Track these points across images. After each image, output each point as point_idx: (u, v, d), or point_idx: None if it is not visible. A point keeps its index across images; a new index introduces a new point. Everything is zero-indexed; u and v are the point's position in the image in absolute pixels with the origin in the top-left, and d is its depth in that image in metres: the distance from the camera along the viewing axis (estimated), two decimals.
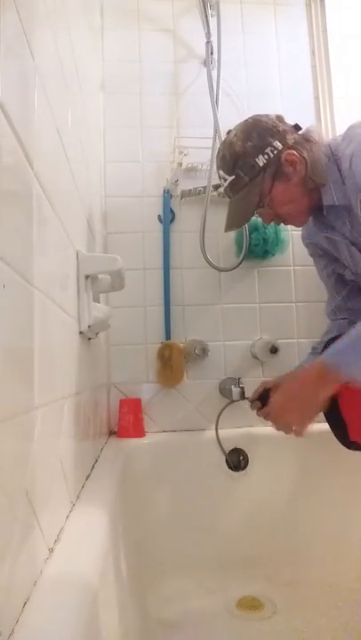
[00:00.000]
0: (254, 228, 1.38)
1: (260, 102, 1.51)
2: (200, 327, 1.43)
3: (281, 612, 1.06)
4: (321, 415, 0.91)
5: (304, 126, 0.97)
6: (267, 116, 0.96)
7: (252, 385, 1.24)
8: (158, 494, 1.26)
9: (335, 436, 0.89)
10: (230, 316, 1.44)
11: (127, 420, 1.31)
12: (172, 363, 1.36)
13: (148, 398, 1.39)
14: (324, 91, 1.55)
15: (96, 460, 1.04)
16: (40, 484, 0.51)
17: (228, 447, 1.31)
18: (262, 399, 0.99)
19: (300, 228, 1.15)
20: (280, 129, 0.93)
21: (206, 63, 1.45)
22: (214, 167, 1.35)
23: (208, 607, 1.08)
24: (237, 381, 1.36)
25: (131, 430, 1.31)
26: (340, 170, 0.91)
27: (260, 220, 1.06)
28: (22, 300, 0.47)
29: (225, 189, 1.00)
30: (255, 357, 1.42)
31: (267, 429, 1.04)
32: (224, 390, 1.38)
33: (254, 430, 1.33)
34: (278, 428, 0.91)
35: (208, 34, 1.46)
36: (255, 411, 1.01)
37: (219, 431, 1.29)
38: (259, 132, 0.92)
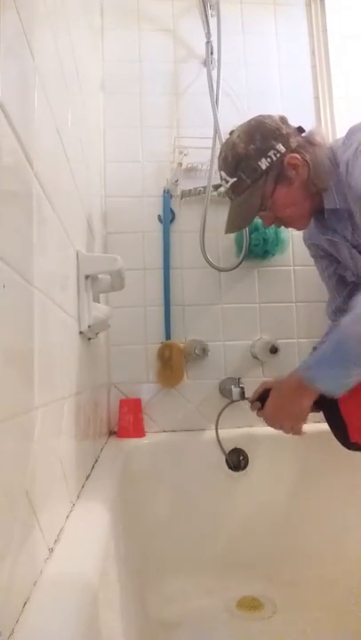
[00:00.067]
0: (254, 229, 1.38)
1: (260, 102, 1.51)
2: (200, 327, 1.43)
3: (281, 612, 1.06)
4: (321, 415, 0.91)
5: (305, 126, 0.97)
6: (270, 117, 0.95)
7: (252, 385, 1.24)
8: (158, 494, 1.26)
9: (335, 436, 0.89)
10: (230, 316, 1.44)
11: (127, 420, 1.31)
12: (172, 363, 1.36)
13: (148, 398, 1.39)
14: (324, 91, 1.55)
15: (96, 460, 1.04)
16: (40, 484, 0.51)
17: (228, 447, 1.31)
18: (262, 400, 0.99)
19: None
20: (283, 132, 0.92)
21: (206, 63, 1.45)
22: (214, 167, 1.36)
23: (208, 607, 1.08)
24: (237, 381, 1.36)
25: (131, 430, 1.31)
26: (340, 174, 0.91)
27: (260, 220, 1.05)
28: (22, 300, 0.47)
29: (226, 191, 0.99)
30: (255, 357, 1.42)
31: (267, 429, 1.04)
32: (224, 390, 1.38)
33: (254, 430, 1.33)
34: (277, 428, 0.93)
35: (208, 34, 1.46)
36: (255, 411, 1.01)
37: (219, 431, 1.29)
38: (262, 135, 0.92)
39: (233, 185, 0.96)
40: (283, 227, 1.05)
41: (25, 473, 0.46)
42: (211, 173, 1.37)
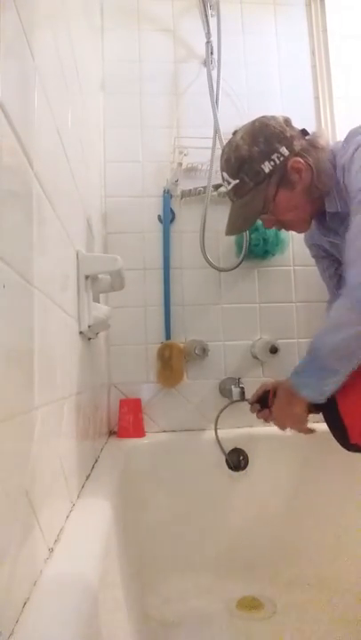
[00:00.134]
0: (255, 229, 1.38)
1: (260, 102, 1.51)
2: (200, 327, 1.43)
3: (281, 612, 1.06)
4: (321, 415, 0.91)
5: (304, 126, 0.97)
6: (274, 119, 0.94)
7: (252, 385, 1.24)
8: (158, 494, 1.26)
9: (335, 437, 0.88)
10: (230, 316, 1.44)
11: (127, 420, 1.31)
12: (172, 363, 1.36)
13: (148, 398, 1.39)
14: (324, 91, 1.55)
15: (96, 460, 1.04)
16: (40, 484, 0.51)
17: (228, 447, 1.31)
18: (262, 401, 0.99)
19: None
20: (287, 134, 0.92)
21: (206, 63, 1.45)
22: (214, 167, 1.36)
23: (208, 607, 1.08)
24: (237, 381, 1.36)
25: (131, 430, 1.31)
26: (339, 177, 0.91)
27: (260, 220, 1.05)
28: (22, 300, 0.47)
29: (228, 192, 0.99)
30: (255, 357, 1.42)
31: (267, 429, 1.04)
32: (224, 390, 1.38)
33: (254, 430, 1.33)
34: (284, 429, 0.96)
35: (208, 34, 1.46)
36: (255, 413, 1.01)
37: (219, 431, 1.29)
38: (266, 137, 0.91)
39: (235, 187, 0.95)
40: (283, 229, 1.05)
41: (25, 473, 0.46)
42: (211, 173, 1.37)
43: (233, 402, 1.29)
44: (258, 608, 1.08)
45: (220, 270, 1.42)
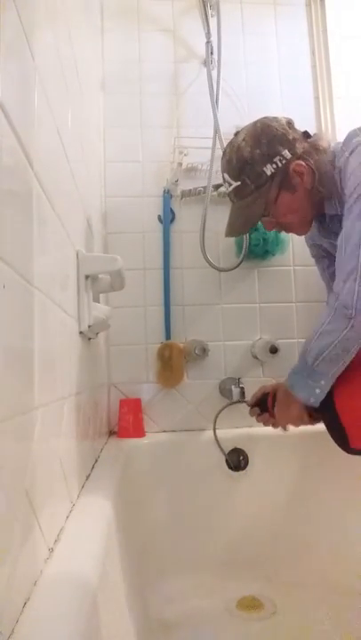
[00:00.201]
0: (254, 229, 1.37)
1: (260, 102, 1.51)
2: (200, 327, 1.43)
3: (281, 612, 1.06)
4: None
5: (304, 127, 0.97)
6: (277, 120, 0.94)
7: (252, 385, 1.25)
8: (158, 494, 1.26)
9: (334, 440, 0.88)
10: (230, 316, 1.44)
11: (127, 420, 1.31)
12: (172, 363, 1.36)
13: (148, 398, 1.39)
14: (324, 91, 1.55)
15: (96, 460, 1.04)
16: (40, 484, 0.51)
17: (228, 447, 1.31)
18: (261, 404, 0.99)
19: None
20: (290, 137, 0.91)
21: (206, 63, 1.45)
22: (214, 167, 1.36)
23: (208, 607, 1.08)
24: (237, 381, 1.36)
25: (131, 430, 1.31)
26: (337, 180, 0.91)
27: None
28: (22, 300, 0.47)
29: (229, 194, 0.99)
30: (255, 357, 1.42)
31: (267, 429, 1.04)
32: (224, 390, 1.38)
33: (254, 430, 1.33)
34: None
35: (208, 34, 1.46)
36: (255, 417, 1.01)
37: (218, 431, 1.29)
38: (268, 140, 0.91)
39: (236, 188, 0.95)
40: (283, 232, 1.05)
41: (25, 473, 0.46)
42: (211, 173, 1.37)
43: (232, 403, 1.29)
44: (258, 608, 1.08)
45: (220, 270, 1.42)
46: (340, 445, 0.87)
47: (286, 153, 0.90)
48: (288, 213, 0.96)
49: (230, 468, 1.30)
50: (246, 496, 1.29)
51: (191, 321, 1.43)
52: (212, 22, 1.47)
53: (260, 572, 1.20)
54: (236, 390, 1.31)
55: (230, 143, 0.97)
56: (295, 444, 1.25)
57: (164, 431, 1.38)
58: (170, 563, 1.20)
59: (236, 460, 1.31)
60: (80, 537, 0.61)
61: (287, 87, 1.56)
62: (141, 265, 1.43)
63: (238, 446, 1.32)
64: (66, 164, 0.75)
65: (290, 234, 1.42)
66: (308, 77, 1.58)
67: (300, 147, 0.92)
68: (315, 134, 0.97)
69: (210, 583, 1.17)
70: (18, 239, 0.46)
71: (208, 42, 1.46)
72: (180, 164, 1.44)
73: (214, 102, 1.41)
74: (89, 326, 0.86)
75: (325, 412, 0.87)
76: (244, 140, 0.93)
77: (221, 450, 1.30)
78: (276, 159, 0.90)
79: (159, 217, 1.45)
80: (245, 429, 1.34)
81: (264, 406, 0.98)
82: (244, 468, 1.31)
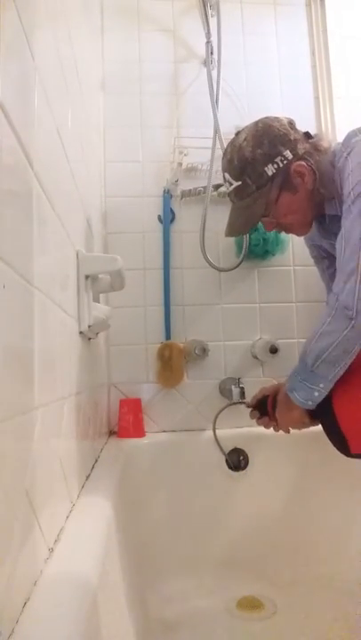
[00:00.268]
0: (254, 229, 1.37)
1: (260, 102, 1.51)
2: (200, 327, 1.43)
3: (281, 612, 1.06)
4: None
5: (304, 126, 0.97)
6: (278, 120, 0.93)
7: (252, 385, 1.25)
8: (158, 494, 1.26)
9: (332, 442, 0.87)
10: (230, 316, 1.44)
11: (127, 420, 1.31)
12: (172, 363, 1.36)
13: (148, 398, 1.39)
14: (324, 91, 1.55)
15: (96, 460, 1.04)
16: (40, 484, 0.51)
17: (228, 447, 1.31)
18: (261, 407, 0.99)
19: None
20: (291, 137, 0.91)
21: (206, 63, 1.45)
22: (214, 167, 1.36)
23: (208, 607, 1.08)
24: (237, 381, 1.36)
25: (131, 430, 1.31)
26: (336, 180, 0.91)
27: None
28: (22, 300, 0.47)
29: (229, 194, 0.98)
30: (255, 357, 1.42)
31: (267, 429, 1.04)
32: (224, 390, 1.38)
33: (254, 430, 1.32)
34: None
35: (208, 34, 1.46)
36: (255, 420, 1.01)
37: (218, 431, 1.29)
38: (270, 140, 0.90)
39: (237, 188, 0.95)
40: (283, 232, 1.05)
41: (25, 473, 0.46)
42: (211, 173, 1.37)
43: (231, 404, 1.29)
44: (258, 608, 1.08)
45: (220, 270, 1.42)
46: (339, 450, 0.86)
47: (288, 153, 0.90)
48: (288, 214, 0.95)
49: (230, 467, 1.30)
50: (246, 496, 1.29)
51: (191, 321, 1.43)
52: (212, 22, 1.47)
53: (260, 571, 1.20)
54: (236, 390, 1.31)
55: (231, 143, 0.96)
56: (295, 445, 1.25)
57: (164, 431, 1.38)
58: (170, 563, 1.20)
59: (236, 460, 1.31)
60: (80, 537, 0.61)
61: (287, 87, 1.56)
62: (141, 265, 1.43)
63: (238, 446, 1.32)
64: (66, 164, 0.75)
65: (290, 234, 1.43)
66: (308, 77, 1.58)
67: (302, 147, 0.91)
68: (316, 135, 0.96)
69: (210, 583, 1.17)
70: (18, 239, 0.46)
71: (208, 42, 1.46)
72: (180, 164, 1.44)
73: (214, 102, 1.41)
74: (89, 326, 0.86)
75: (324, 416, 0.86)
76: (245, 139, 0.92)
77: (221, 450, 1.30)
78: (278, 159, 0.90)
79: (159, 217, 1.45)
80: (245, 429, 1.34)
81: (264, 409, 0.98)
82: (244, 468, 1.31)
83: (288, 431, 0.96)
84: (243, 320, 1.45)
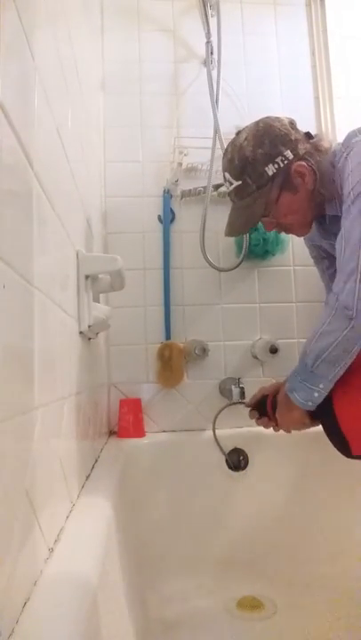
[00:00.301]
0: (254, 229, 1.37)
1: (260, 102, 1.51)
2: (200, 327, 1.43)
3: (281, 612, 1.06)
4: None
5: (304, 126, 0.97)
6: (279, 120, 0.93)
7: (252, 385, 1.24)
8: (158, 494, 1.26)
9: (332, 443, 0.87)
10: (230, 316, 1.44)
11: (127, 420, 1.31)
12: (172, 363, 1.36)
13: (148, 398, 1.39)
14: (324, 91, 1.55)
15: (96, 460, 1.04)
16: (40, 484, 0.51)
17: (229, 447, 1.31)
18: (260, 407, 0.99)
19: None
20: (292, 137, 0.91)
21: (206, 63, 1.45)
22: (214, 167, 1.36)
23: (208, 607, 1.08)
24: (237, 381, 1.36)
25: (131, 430, 1.31)
26: (336, 181, 0.91)
27: None
28: (22, 300, 0.47)
29: (229, 193, 0.98)
30: (255, 357, 1.42)
31: (267, 429, 1.04)
32: (224, 390, 1.38)
33: (254, 430, 1.32)
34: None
35: (208, 34, 1.46)
36: (254, 420, 1.01)
37: (219, 431, 1.29)
38: (271, 140, 0.90)
39: (237, 188, 0.94)
40: (283, 232, 1.05)
41: (25, 473, 0.46)
42: (211, 173, 1.37)
43: (231, 404, 1.29)
44: (258, 608, 1.08)
45: (220, 270, 1.42)
46: (340, 451, 0.85)
47: (288, 153, 0.90)
48: (289, 214, 0.95)
49: (230, 467, 1.30)
50: (246, 496, 1.29)
51: (191, 321, 1.43)
52: (212, 22, 1.47)
53: (260, 572, 1.20)
54: (236, 390, 1.31)
55: (232, 142, 0.96)
56: (295, 445, 1.25)
57: (164, 431, 1.38)
58: (170, 563, 1.20)
59: (236, 460, 1.31)
60: (80, 537, 0.61)
61: (287, 87, 1.56)
62: (141, 265, 1.43)
63: (238, 446, 1.32)
64: (66, 164, 0.75)
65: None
66: (308, 77, 1.58)
67: (303, 147, 0.91)
68: (316, 135, 0.96)
69: (210, 583, 1.17)
70: (18, 239, 0.46)
71: (208, 42, 1.46)
72: (180, 164, 1.44)
73: (214, 102, 1.41)
74: (89, 326, 0.86)
75: (325, 417, 0.86)
76: (246, 139, 0.92)
77: (221, 450, 1.30)
78: (278, 159, 0.90)
79: (159, 217, 1.45)
80: (245, 429, 1.34)
81: (263, 409, 0.98)
82: (244, 468, 1.31)
83: (289, 431, 0.95)
84: (243, 320, 1.45)
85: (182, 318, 1.43)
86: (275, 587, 1.15)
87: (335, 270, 1.10)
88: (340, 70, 1.55)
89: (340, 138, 0.95)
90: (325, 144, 0.94)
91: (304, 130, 0.96)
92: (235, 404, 1.29)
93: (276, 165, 0.90)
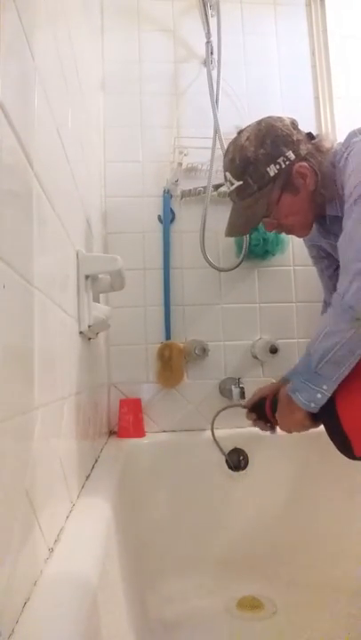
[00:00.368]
0: (255, 229, 1.37)
1: (260, 102, 1.51)
2: (200, 327, 1.43)
3: (281, 612, 1.06)
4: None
5: (304, 126, 0.97)
6: (281, 120, 0.93)
7: (252, 385, 1.25)
8: (158, 494, 1.26)
9: (334, 444, 0.86)
10: (230, 316, 1.44)
11: (127, 420, 1.31)
12: (172, 363, 1.36)
13: (148, 398, 1.39)
14: (324, 91, 1.55)
15: (96, 460, 1.04)
16: (40, 484, 0.51)
17: (228, 447, 1.31)
18: (258, 409, 0.98)
19: None
20: (294, 138, 0.91)
21: (206, 63, 1.45)
22: (214, 167, 1.36)
23: (208, 607, 1.08)
24: (237, 381, 1.36)
25: (131, 430, 1.31)
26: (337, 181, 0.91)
27: None
28: (22, 300, 0.47)
29: (230, 193, 0.98)
30: (255, 357, 1.42)
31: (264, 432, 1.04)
32: (224, 390, 1.38)
33: (254, 430, 1.32)
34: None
35: (208, 34, 1.46)
36: (251, 422, 1.00)
37: (219, 431, 1.29)
38: (272, 140, 0.90)
39: (238, 188, 0.94)
40: (284, 233, 1.05)
41: (25, 473, 0.46)
42: (211, 173, 1.37)
43: (230, 406, 1.28)
44: (258, 608, 1.08)
45: (220, 270, 1.42)
46: (342, 452, 0.85)
47: (290, 154, 0.90)
48: (290, 215, 0.95)
49: (230, 467, 1.30)
50: (246, 496, 1.29)
51: (191, 321, 1.43)
52: (212, 22, 1.47)
53: (260, 572, 1.20)
54: (236, 390, 1.31)
55: (234, 142, 0.96)
56: (295, 445, 1.25)
57: (164, 431, 1.38)
58: (170, 563, 1.20)
59: (236, 460, 1.31)
60: (80, 537, 0.61)
61: (287, 87, 1.56)
62: (141, 265, 1.43)
63: (238, 446, 1.32)
64: (66, 164, 0.75)
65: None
66: (308, 77, 1.58)
67: (304, 148, 0.91)
68: (318, 135, 0.96)
69: (210, 583, 1.17)
70: (18, 239, 0.46)
71: (208, 42, 1.46)
72: (180, 164, 1.44)
73: (214, 102, 1.41)
74: (89, 326, 0.86)
75: (327, 418, 0.86)
76: (247, 139, 0.92)
77: (221, 450, 1.30)
78: (280, 160, 0.89)
79: (159, 217, 1.45)
80: (245, 429, 1.34)
81: (261, 411, 0.97)
82: (244, 468, 1.31)
83: (290, 432, 0.95)
84: (243, 320, 1.45)
85: (182, 318, 1.43)
86: (275, 587, 1.15)
87: (334, 270, 1.11)
88: (340, 70, 1.55)
89: (341, 138, 0.95)
90: (327, 144, 0.94)
91: (305, 130, 0.96)
92: (232, 406, 1.28)
93: (277, 166, 0.90)
